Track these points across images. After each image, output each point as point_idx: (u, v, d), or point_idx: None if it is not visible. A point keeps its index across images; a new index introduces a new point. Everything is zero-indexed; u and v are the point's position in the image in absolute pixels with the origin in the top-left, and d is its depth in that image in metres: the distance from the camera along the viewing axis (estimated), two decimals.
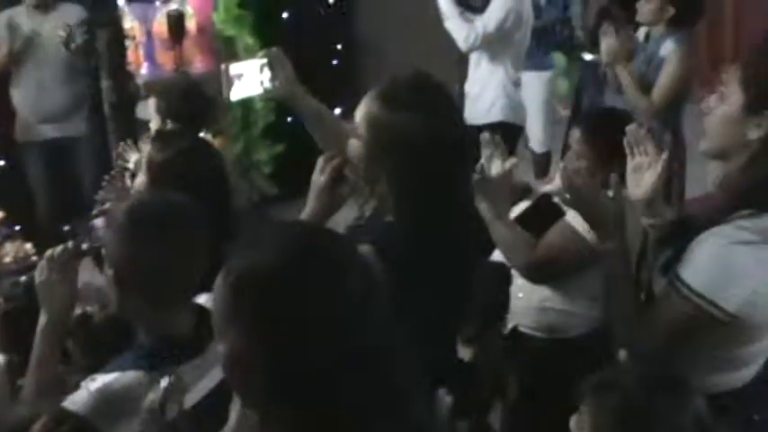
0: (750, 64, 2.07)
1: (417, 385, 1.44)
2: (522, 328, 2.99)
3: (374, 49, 6.94)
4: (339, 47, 6.90)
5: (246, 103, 5.53)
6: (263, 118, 5.89)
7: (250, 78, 2.59)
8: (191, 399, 1.94)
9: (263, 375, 1.32)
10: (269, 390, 1.34)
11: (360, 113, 2.12)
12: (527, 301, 2.95)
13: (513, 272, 2.90)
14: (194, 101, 3.79)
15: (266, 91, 2.60)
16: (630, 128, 2.37)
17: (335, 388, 1.32)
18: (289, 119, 5.47)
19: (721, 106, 2.07)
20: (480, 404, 2.90)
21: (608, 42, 4.32)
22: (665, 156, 2.24)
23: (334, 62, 6.83)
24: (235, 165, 5.69)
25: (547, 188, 3.19)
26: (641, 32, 4.51)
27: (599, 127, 3.03)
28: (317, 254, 1.36)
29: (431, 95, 2.12)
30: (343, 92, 5.53)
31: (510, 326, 3.00)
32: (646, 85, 4.28)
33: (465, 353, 2.60)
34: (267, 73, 2.56)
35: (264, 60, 2.57)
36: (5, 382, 2.55)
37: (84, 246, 2.43)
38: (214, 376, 1.90)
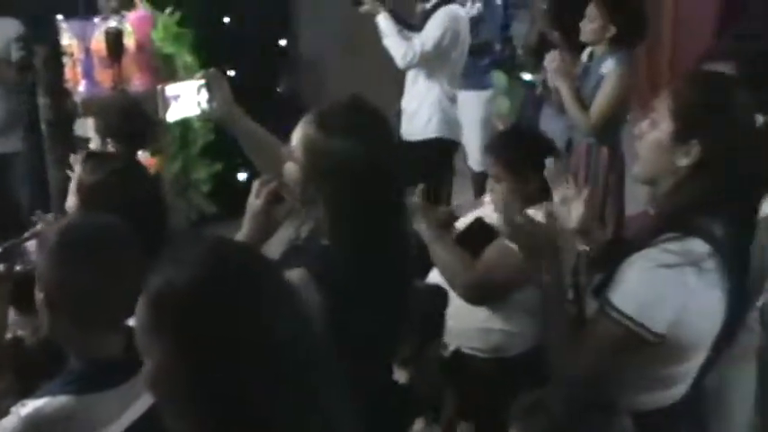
0: (680, 93, 2.11)
1: (348, 411, 1.45)
2: (464, 350, 3.01)
3: (315, 66, 6.95)
4: (280, 67, 6.89)
5: (185, 122, 5.48)
6: (202, 137, 5.85)
7: (187, 99, 2.58)
8: (123, 422, 1.93)
9: (186, 391, 1.34)
10: (192, 406, 1.35)
11: (296, 137, 2.13)
12: (468, 322, 2.96)
13: (452, 294, 2.92)
14: (133, 120, 3.77)
15: (203, 112, 2.60)
16: (549, 163, 2.44)
17: (264, 409, 1.33)
18: (228, 138, 5.44)
19: (652, 132, 2.12)
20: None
21: (552, 65, 4.41)
22: (586, 191, 2.27)
23: (275, 83, 6.82)
24: (173, 184, 5.65)
25: (478, 213, 3.22)
26: (586, 53, 4.60)
27: (505, 147, 3.08)
28: (241, 271, 1.37)
29: (367, 120, 2.13)
30: (284, 112, 5.52)
31: (452, 348, 3.01)
32: (587, 103, 4.37)
33: (400, 375, 2.61)
34: (204, 94, 2.56)
35: (202, 81, 2.56)
36: None
37: (18, 268, 2.40)
38: (147, 399, 1.89)
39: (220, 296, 1.33)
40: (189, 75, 4.66)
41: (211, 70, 2.61)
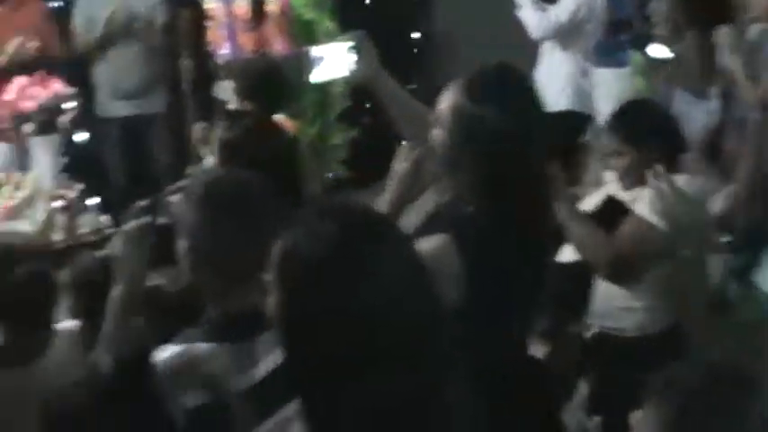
0: None
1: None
2: (607, 330, 2.94)
3: (455, 36, 6.92)
4: (420, 34, 6.88)
5: (323, 87, 5.51)
6: (339, 102, 5.88)
7: (332, 61, 2.57)
8: (257, 373, 1.95)
9: (290, 339, 1.45)
10: (293, 355, 1.45)
11: (444, 103, 2.14)
12: (609, 301, 2.90)
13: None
14: (272, 83, 3.80)
15: (351, 74, 2.58)
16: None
17: (352, 385, 1.38)
18: (365, 103, 5.45)
19: None
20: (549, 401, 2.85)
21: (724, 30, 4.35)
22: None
23: (415, 50, 6.82)
24: (310, 148, 5.69)
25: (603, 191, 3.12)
26: (754, 30, 4.50)
27: (624, 120, 2.99)
28: (365, 246, 1.42)
29: (515, 89, 2.15)
30: (423, 78, 5.53)
31: (595, 329, 2.95)
32: (753, 78, 4.28)
33: (538, 351, 2.56)
34: (352, 56, 2.55)
35: (350, 43, 2.55)
36: (79, 346, 2.64)
37: (160, 221, 2.45)
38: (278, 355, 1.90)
39: (339, 271, 1.39)
40: (329, 40, 4.69)
41: (359, 32, 2.59)
